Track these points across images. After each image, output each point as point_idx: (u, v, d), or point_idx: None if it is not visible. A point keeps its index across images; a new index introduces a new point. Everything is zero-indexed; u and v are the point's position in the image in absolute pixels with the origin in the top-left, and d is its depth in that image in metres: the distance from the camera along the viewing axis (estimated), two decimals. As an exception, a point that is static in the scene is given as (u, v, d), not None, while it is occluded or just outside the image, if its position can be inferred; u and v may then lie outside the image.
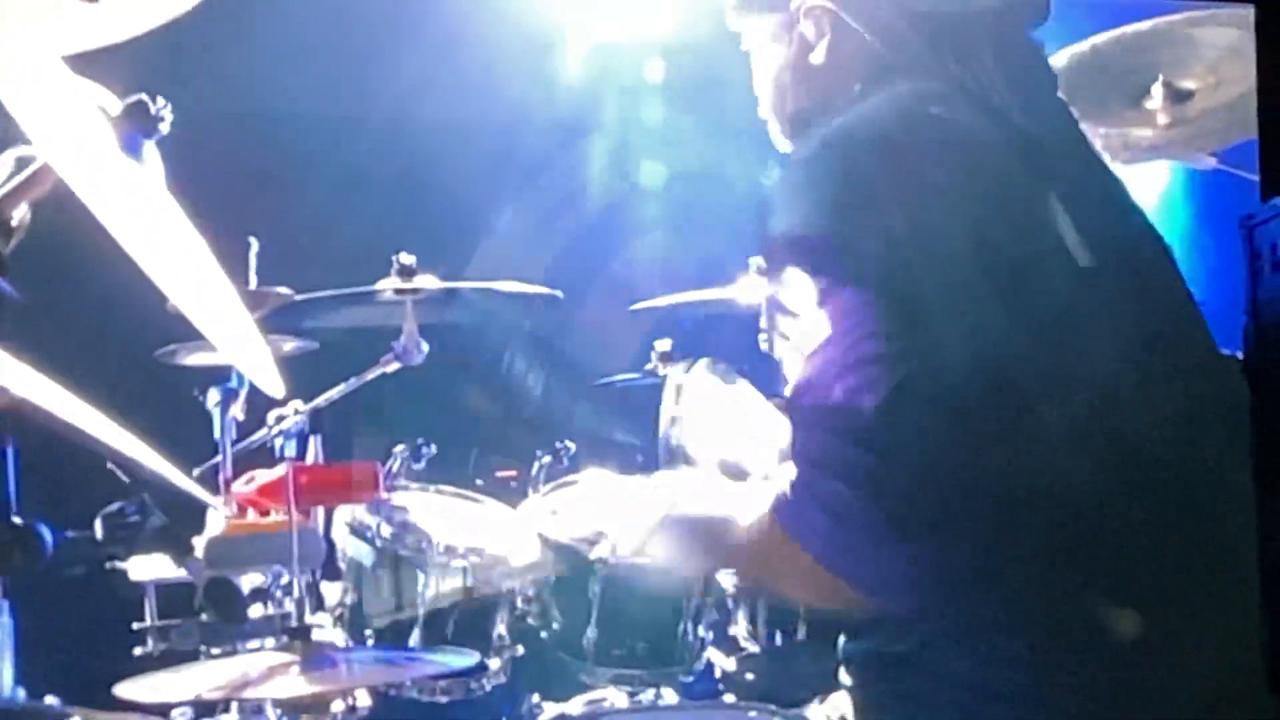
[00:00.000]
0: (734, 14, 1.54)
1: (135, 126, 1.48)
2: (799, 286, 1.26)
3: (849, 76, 1.41)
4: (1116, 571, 1.24)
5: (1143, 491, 1.26)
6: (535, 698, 2.33)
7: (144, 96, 1.51)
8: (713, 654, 2.34)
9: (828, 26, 1.43)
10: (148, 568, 2.07)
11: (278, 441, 2.41)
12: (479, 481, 2.72)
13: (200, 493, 1.60)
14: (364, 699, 2.26)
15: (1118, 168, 1.54)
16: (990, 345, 1.22)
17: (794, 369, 1.26)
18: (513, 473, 2.87)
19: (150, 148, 1.52)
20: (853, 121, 1.35)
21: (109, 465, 1.67)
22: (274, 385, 1.55)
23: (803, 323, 1.25)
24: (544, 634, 2.31)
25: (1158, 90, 2.55)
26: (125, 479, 1.83)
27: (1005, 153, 1.33)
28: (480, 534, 2.39)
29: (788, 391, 1.28)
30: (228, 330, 1.48)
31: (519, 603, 2.33)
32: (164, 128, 1.51)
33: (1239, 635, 1.01)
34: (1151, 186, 3.43)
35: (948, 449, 1.20)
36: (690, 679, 2.33)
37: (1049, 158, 1.36)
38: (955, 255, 1.24)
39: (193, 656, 2.07)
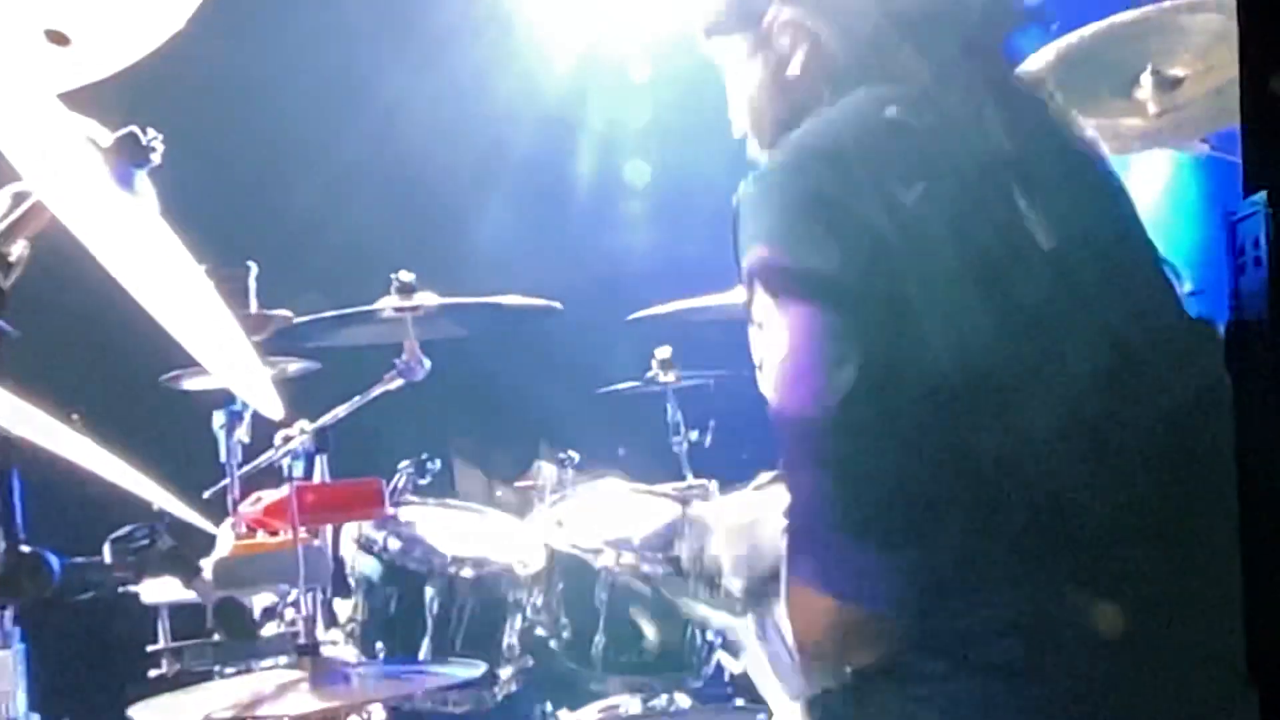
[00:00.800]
0: (705, 37, 1.55)
1: (127, 158, 1.51)
2: (764, 300, 1.28)
3: (820, 87, 1.43)
4: (1098, 565, 1.26)
5: (1125, 485, 1.27)
6: (547, 706, 2.35)
7: (135, 129, 1.53)
8: (722, 657, 2.35)
9: (803, 38, 1.45)
10: (159, 590, 2.09)
11: (285, 461, 2.44)
12: (498, 493, 2.74)
13: (195, 517, 1.63)
14: (379, 713, 2.28)
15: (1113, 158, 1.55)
16: (959, 346, 1.24)
17: (766, 381, 1.29)
18: (531, 482, 2.89)
19: (142, 178, 1.55)
20: (806, 134, 1.37)
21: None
22: (272, 407, 1.58)
23: (768, 335, 1.28)
24: (553, 643, 2.33)
25: (1147, 79, 2.55)
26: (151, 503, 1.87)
27: (971, 151, 1.35)
28: (486, 546, 2.41)
29: (768, 399, 1.30)
30: (224, 355, 1.51)
31: (528, 612, 2.35)
32: (155, 158, 1.54)
33: (1222, 628, 1.02)
34: (1158, 176, 3.42)
35: (923, 452, 1.22)
36: (700, 683, 2.35)
37: (1019, 153, 1.37)
38: (917, 258, 1.25)
39: (207, 677, 2.10)
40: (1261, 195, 0.98)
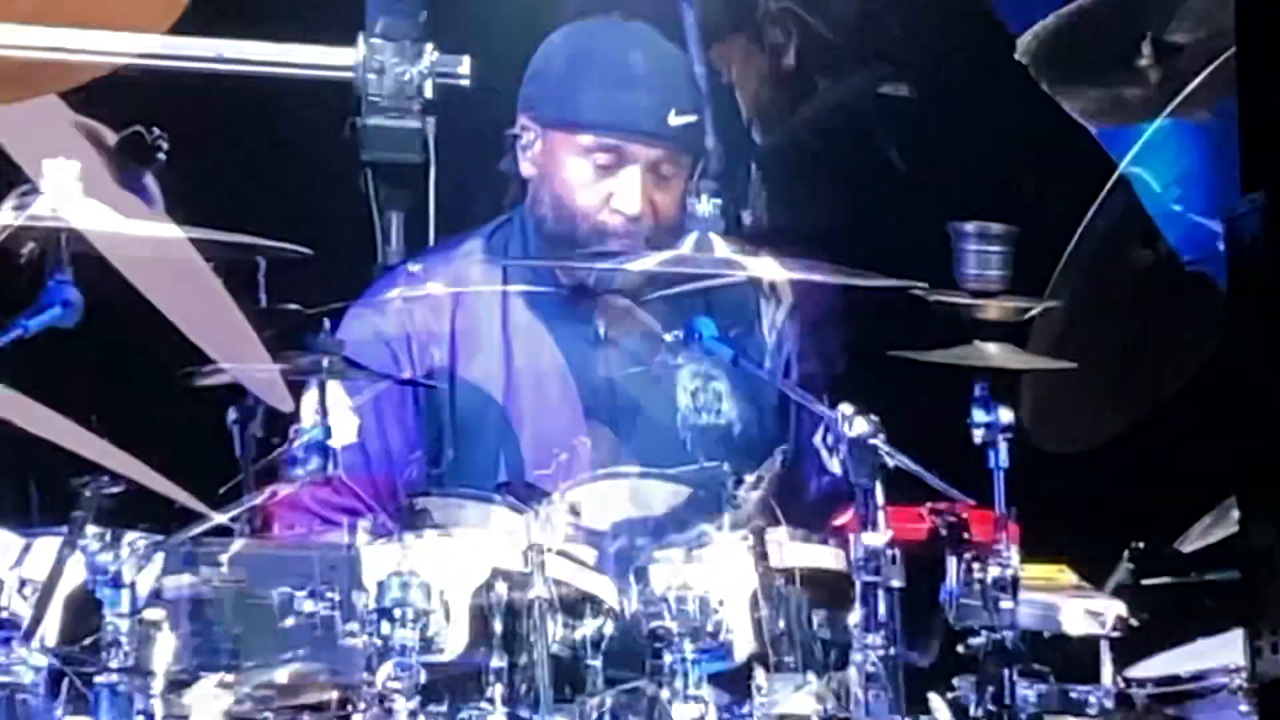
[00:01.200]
0: (708, 47, 1.57)
1: (133, 158, 1.52)
2: (771, 260, 1.32)
3: (815, 77, 1.46)
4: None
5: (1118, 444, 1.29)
6: (566, 692, 2.36)
7: (140, 128, 1.55)
8: (736, 639, 2.36)
9: (793, 27, 1.48)
10: (177, 585, 2.11)
11: (300, 455, 2.45)
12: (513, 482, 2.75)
13: (211, 512, 1.65)
14: (399, 704, 2.29)
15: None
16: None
17: (775, 331, 1.33)
18: (547, 471, 2.89)
19: (148, 176, 1.56)
20: (809, 108, 1.39)
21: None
22: (282, 399, 1.59)
23: (777, 291, 1.31)
24: (570, 630, 2.34)
25: (1147, 48, 2.54)
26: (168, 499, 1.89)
27: (969, 121, 1.36)
28: (501, 535, 2.42)
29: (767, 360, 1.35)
30: (233, 349, 1.52)
31: (544, 600, 2.36)
32: (161, 156, 1.55)
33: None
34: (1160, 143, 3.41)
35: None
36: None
37: (1017, 121, 1.38)
38: (913, 218, 1.28)
39: (227, 670, 2.11)
40: (1259, 194, 0.99)
